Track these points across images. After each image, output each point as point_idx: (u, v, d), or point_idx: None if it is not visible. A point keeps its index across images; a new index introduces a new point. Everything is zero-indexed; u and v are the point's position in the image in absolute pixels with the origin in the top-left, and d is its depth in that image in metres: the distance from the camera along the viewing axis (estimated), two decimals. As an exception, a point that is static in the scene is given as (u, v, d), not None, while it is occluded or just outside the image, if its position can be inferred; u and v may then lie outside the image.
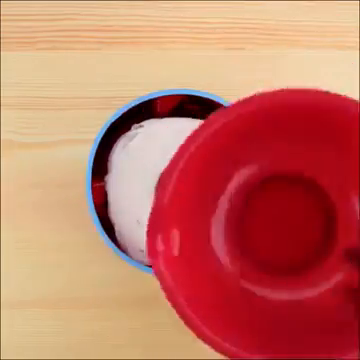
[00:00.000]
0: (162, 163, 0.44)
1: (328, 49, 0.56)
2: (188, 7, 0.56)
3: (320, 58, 0.56)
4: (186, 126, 0.44)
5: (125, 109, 0.43)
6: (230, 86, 0.55)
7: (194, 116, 0.44)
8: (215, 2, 0.56)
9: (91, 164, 0.43)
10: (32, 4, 0.56)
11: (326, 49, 0.56)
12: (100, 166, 0.44)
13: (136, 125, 0.44)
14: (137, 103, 0.43)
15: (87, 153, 0.53)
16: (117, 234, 0.46)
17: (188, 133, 0.44)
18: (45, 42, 0.55)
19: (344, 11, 0.57)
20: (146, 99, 0.43)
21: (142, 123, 0.44)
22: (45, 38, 0.55)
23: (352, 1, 0.57)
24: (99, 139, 0.43)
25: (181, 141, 0.44)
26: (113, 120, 0.43)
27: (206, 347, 0.52)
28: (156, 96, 0.43)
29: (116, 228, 0.46)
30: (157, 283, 0.52)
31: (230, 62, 0.56)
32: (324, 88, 0.56)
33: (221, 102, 0.42)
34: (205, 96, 0.43)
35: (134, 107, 0.43)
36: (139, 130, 0.43)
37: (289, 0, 0.56)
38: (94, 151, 0.43)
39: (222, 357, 0.52)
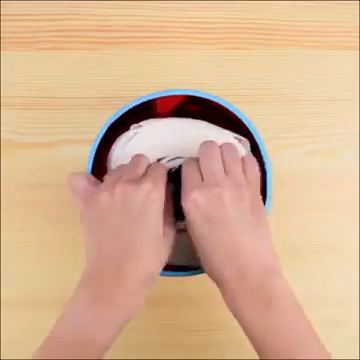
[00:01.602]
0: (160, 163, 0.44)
1: (328, 49, 0.56)
2: (188, 7, 0.56)
3: (320, 58, 0.56)
4: (185, 126, 0.44)
5: (125, 109, 0.43)
6: (230, 86, 0.55)
7: (194, 116, 0.44)
8: (215, 2, 0.56)
9: (91, 164, 0.43)
10: (32, 4, 0.56)
11: (326, 49, 0.56)
12: (100, 166, 0.44)
13: (135, 125, 0.44)
14: (137, 103, 0.43)
15: (87, 153, 0.52)
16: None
17: (187, 133, 0.44)
18: (45, 42, 0.55)
19: (344, 11, 0.57)
20: (146, 99, 0.43)
21: (141, 123, 0.44)
22: (45, 38, 0.55)
23: (352, 1, 0.57)
24: (99, 139, 0.43)
25: (180, 141, 0.44)
26: (113, 120, 0.43)
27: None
28: (156, 96, 0.43)
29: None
30: (158, 284, 0.52)
31: (230, 62, 0.56)
32: (324, 88, 0.56)
33: (221, 103, 0.42)
34: (205, 97, 0.42)
35: (134, 107, 0.43)
36: (138, 130, 0.43)
37: (289, 0, 0.56)
38: (94, 151, 0.43)
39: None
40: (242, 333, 0.53)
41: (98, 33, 0.56)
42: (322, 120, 0.55)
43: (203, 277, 0.43)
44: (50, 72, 0.55)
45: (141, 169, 0.39)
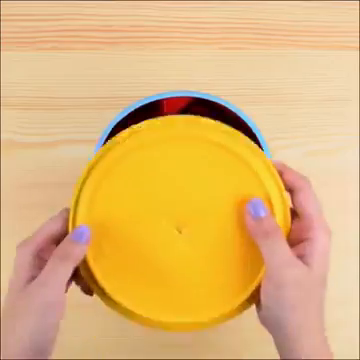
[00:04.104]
0: None
1: (328, 49, 0.56)
2: (188, 7, 0.56)
3: (320, 58, 0.56)
4: None
5: (131, 109, 0.42)
6: (230, 86, 0.55)
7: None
8: (215, 2, 0.56)
9: None
10: (32, 4, 0.56)
11: (326, 49, 0.56)
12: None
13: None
14: (144, 103, 0.42)
15: (87, 153, 0.52)
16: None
17: None
18: (45, 42, 0.55)
19: (344, 11, 0.56)
20: (153, 100, 0.42)
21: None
22: (45, 38, 0.55)
23: (352, 1, 0.57)
24: (104, 138, 0.42)
25: None
26: (119, 119, 0.42)
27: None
28: (162, 97, 0.43)
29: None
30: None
31: (230, 62, 0.56)
32: (324, 88, 0.56)
33: (226, 105, 0.42)
34: (211, 99, 0.42)
35: (139, 107, 0.43)
36: None
37: (289, 0, 0.56)
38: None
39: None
40: (241, 333, 0.53)
41: (98, 33, 0.56)
42: (322, 120, 0.55)
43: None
44: (50, 72, 0.55)
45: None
